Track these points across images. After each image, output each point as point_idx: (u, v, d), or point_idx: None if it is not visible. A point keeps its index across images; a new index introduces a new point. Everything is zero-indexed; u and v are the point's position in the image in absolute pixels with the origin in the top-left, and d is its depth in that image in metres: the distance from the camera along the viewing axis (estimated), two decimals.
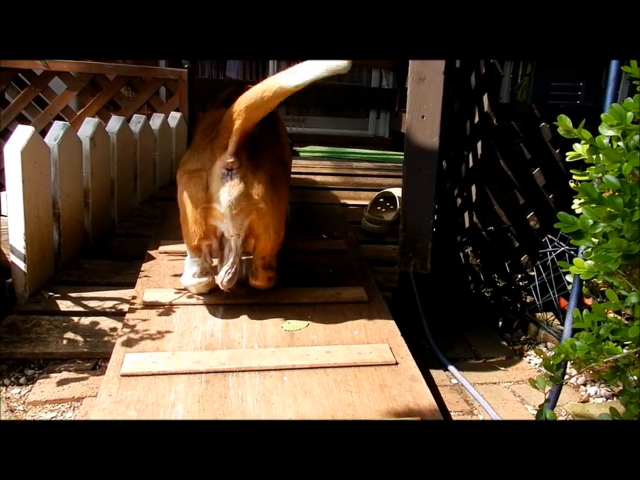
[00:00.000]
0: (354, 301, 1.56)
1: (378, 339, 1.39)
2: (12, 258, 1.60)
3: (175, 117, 2.52)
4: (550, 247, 1.85)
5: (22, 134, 1.53)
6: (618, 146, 0.81)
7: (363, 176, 2.81)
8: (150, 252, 1.80)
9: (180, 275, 1.59)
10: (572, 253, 1.75)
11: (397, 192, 2.40)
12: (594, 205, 0.78)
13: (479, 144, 2.31)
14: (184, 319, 1.42)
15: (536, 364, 1.65)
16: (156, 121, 2.34)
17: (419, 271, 1.74)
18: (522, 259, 2.38)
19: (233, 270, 1.45)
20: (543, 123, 2.26)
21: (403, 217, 1.71)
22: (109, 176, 1.99)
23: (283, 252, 1.61)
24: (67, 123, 1.71)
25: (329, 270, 1.73)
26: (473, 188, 2.38)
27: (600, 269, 0.78)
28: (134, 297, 1.52)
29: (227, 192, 1.40)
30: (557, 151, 2.28)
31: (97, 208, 1.93)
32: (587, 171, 0.89)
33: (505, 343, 1.82)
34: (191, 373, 1.21)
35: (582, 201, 0.80)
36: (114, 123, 2.01)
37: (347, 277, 1.73)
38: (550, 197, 2.33)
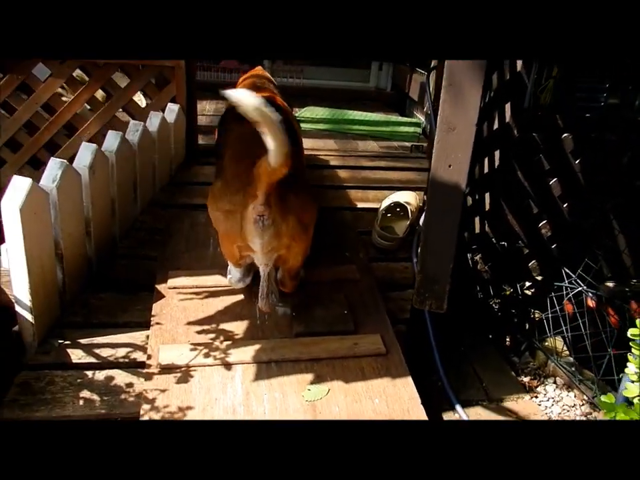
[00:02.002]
0: (372, 354, 1.55)
1: (399, 409, 1.39)
2: (17, 308, 1.54)
3: (172, 110, 2.35)
4: (566, 281, 1.83)
5: (19, 188, 1.41)
6: None
7: (370, 169, 2.69)
8: (158, 287, 1.75)
9: (192, 321, 1.63)
10: (590, 293, 1.73)
11: (407, 198, 2.33)
12: None
13: (497, 152, 2.21)
14: (204, 388, 1.40)
15: (546, 406, 1.69)
16: (154, 120, 2.18)
17: (435, 311, 1.73)
18: (530, 264, 2.36)
19: (266, 297, 1.59)
20: (566, 134, 2.15)
21: (421, 257, 1.66)
22: (109, 197, 1.89)
23: None
24: (65, 161, 1.57)
25: (343, 311, 1.70)
26: (487, 196, 2.30)
27: None
28: (149, 357, 1.49)
29: (260, 236, 1.50)
30: (576, 162, 2.19)
31: (99, 233, 1.84)
32: None
33: (514, 373, 1.85)
34: None
35: None
36: (112, 140, 1.86)
37: (362, 315, 1.70)
38: (564, 205, 2.27)
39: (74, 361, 1.54)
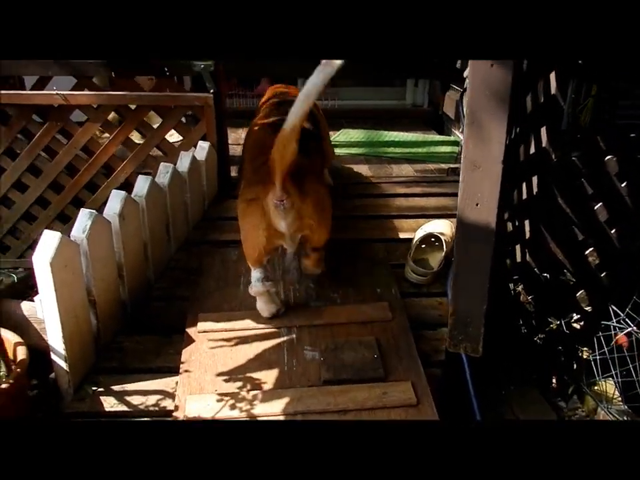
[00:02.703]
0: (402, 405, 1.49)
1: None
2: (53, 357, 1.58)
3: (203, 148, 2.38)
4: (614, 320, 1.71)
5: (49, 242, 1.45)
6: None
7: (404, 196, 2.63)
8: (189, 331, 1.76)
9: (220, 369, 1.63)
10: (619, 327, 1.60)
11: (442, 228, 2.25)
12: None
13: (534, 178, 2.11)
14: None
15: None
16: (184, 160, 2.21)
17: (470, 354, 1.65)
18: (578, 294, 2.23)
19: (292, 276, 1.88)
20: (609, 156, 2.02)
21: (453, 300, 1.59)
22: (141, 240, 1.92)
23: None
24: (94, 211, 1.61)
25: (373, 355, 1.64)
26: (526, 223, 2.20)
27: None
28: (176, 408, 1.49)
29: (283, 218, 1.68)
30: (622, 185, 2.05)
31: (132, 277, 1.87)
32: None
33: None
34: None
35: None
36: (141, 185, 1.90)
37: (394, 360, 1.65)
38: (612, 231, 2.13)
39: (107, 409, 1.56)
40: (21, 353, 1.47)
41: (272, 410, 1.46)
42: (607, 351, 1.68)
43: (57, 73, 2.35)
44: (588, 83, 2.03)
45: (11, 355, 1.49)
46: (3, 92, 2.33)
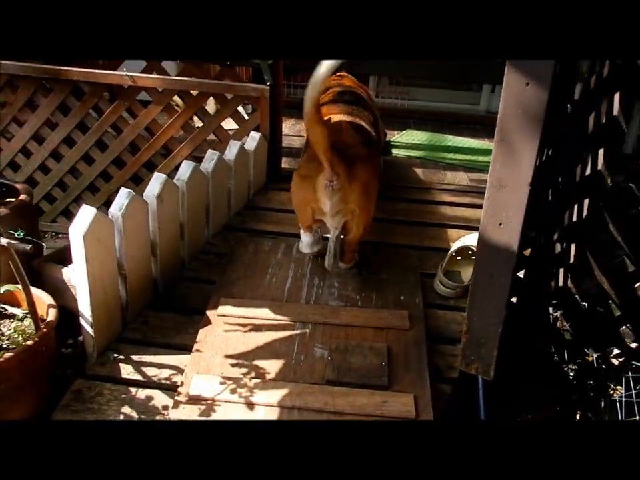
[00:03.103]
0: (399, 417, 1.47)
1: None
2: (81, 321, 1.70)
3: (254, 138, 2.44)
4: None
5: (85, 216, 1.56)
6: None
7: (451, 204, 2.56)
8: (208, 313, 1.83)
9: (230, 353, 1.68)
10: None
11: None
12: None
13: (586, 201, 1.99)
14: None
15: None
16: (232, 149, 2.28)
17: (481, 376, 1.59)
18: (622, 329, 2.08)
19: (333, 258, 1.99)
20: None
21: (468, 318, 1.55)
22: (177, 222, 2.01)
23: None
24: (132, 191, 1.71)
25: (381, 362, 1.63)
26: (573, 247, 2.08)
27: None
28: (182, 384, 1.56)
29: (329, 198, 1.84)
30: None
31: (166, 256, 1.97)
32: None
33: None
34: None
35: None
36: (185, 169, 1.99)
37: (401, 370, 1.63)
38: None
39: (123, 376, 1.67)
40: (52, 314, 1.59)
41: (270, 400, 1.50)
42: (634, 394, 1.56)
43: None
44: None
45: (43, 315, 1.62)
46: (78, 69, 2.51)
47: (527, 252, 2.28)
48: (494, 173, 1.34)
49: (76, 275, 1.63)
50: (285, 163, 2.98)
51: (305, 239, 2.05)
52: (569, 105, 2.35)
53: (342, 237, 2.00)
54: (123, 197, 1.71)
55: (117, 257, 1.74)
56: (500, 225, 1.39)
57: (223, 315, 1.82)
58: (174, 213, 1.97)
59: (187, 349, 1.75)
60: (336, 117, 2.03)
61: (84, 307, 1.65)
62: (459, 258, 2.14)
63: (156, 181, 1.85)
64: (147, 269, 1.90)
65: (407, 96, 4.42)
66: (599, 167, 1.93)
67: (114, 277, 1.73)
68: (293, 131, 3.63)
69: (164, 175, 1.86)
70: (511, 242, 1.40)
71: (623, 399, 1.61)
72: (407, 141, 3.64)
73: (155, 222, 1.87)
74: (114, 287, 1.74)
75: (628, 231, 1.97)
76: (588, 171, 2.02)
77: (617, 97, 1.87)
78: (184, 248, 2.09)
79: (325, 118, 1.98)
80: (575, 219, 2.09)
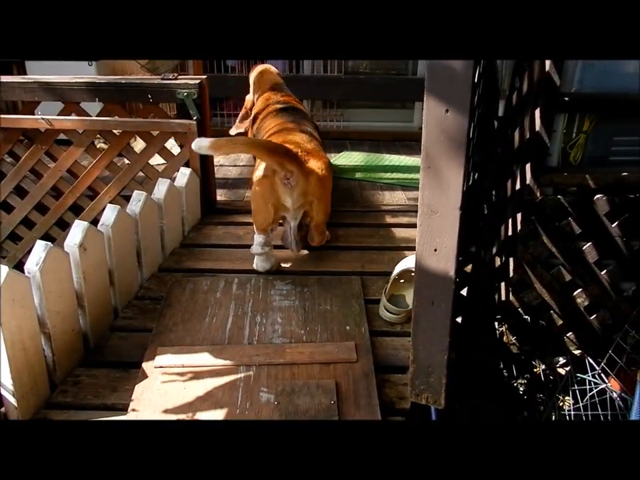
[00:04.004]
0: None
1: None
2: (2, 391, 1.55)
3: (184, 174, 2.36)
4: (589, 373, 1.60)
5: None
6: None
7: (390, 226, 2.56)
8: (144, 366, 1.71)
9: (169, 409, 1.57)
10: (613, 392, 1.49)
11: None
12: None
13: (518, 216, 2.02)
14: None
15: None
16: (161, 187, 2.19)
17: (432, 405, 1.56)
18: (567, 335, 2.11)
19: (295, 243, 2.23)
20: (598, 195, 1.92)
21: (413, 347, 1.52)
22: (105, 270, 1.89)
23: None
24: (49, 244, 1.59)
25: (330, 401, 1.57)
26: (511, 262, 2.11)
27: None
28: None
29: (289, 194, 2.05)
30: (613, 225, 1.95)
31: (94, 307, 1.84)
32: None
33: None
34: None
35: None
36: (109, 214, 1.88)
37: (351, 408, 1.56)
38: (603, 272, 2.02)
39: None
40: None
41: None
42: (581, 407, 1.57)
43: (44, 98, 2.36)
44: (580, 119, 1.93)
45: None
46: None
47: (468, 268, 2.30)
48: (424, 199, 1.32)
49: None
50: (222, 195, 2.90)
51: (258, 239, 2.18)
52: (495, 122, 2.41)
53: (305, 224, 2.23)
54: (39, 250, 1.58)
55: (38, 314, 1.60)
56: (435, 250, 1.37)
57: (161, 366, 1.71)
58: (100, 261, 1.85)
59: (123, 408, 1.61)
60: (282, 125, 2.32)
61: (3, 375, 1.51)
62: (402, 281, 2.12)
63: (77, 230, 1.73)
64: (74, 323, 1.76)
65: (342, 117, 4.45)
66: (528, 181, 1.98)
67: (36, 337, 1.59)
68: (228, 161, 3.56)
69: (85, 223, 1.75)
70: (448, 267, 1.38)
71: (572, 412, 1.61)
72: (344, 162, 3.64)
73: (79, 272, 1.74)
74: (36, 348, 1.60)
75: (560, 241, 2.02)
76: (518, 186, 2.06)
77: (537, 112, 1.93)
78: (115, 295, 1.97)
79: (278, 123, 2.32)
80: (510, 232, 2.13)
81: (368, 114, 4.53)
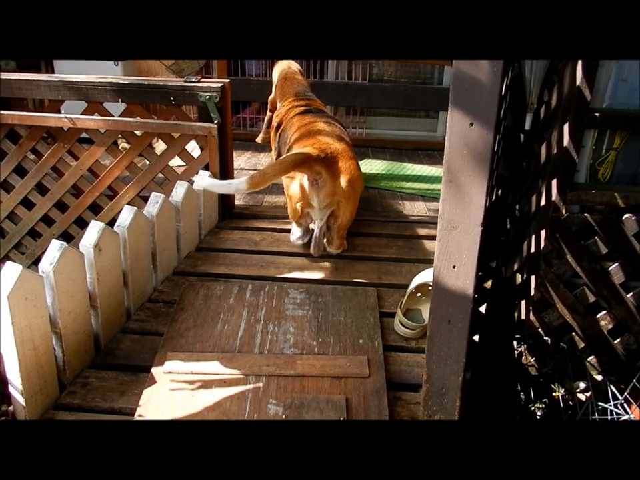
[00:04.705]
0: None
1: None
2: (10, 389, 1.55)
3: (203, 177, 2.35)
4: (612, 402, 1.53)
5: (9, 275, 1.42)
6: None
7: (409, 237, 2.51)
8: (154, 371, 1.69)
9: (176, 417, 1.55)
10: (616, 412, 1.42)
11: None
12: None
13: (543, 233, 1.96)
14: None
15: None
16: (179, 190, 2.18)
17: None
18: (589, 359, 2.03)
19: (317, 245, 2.26)
20: (627, 215, 1.85)
21: (427, 366, 1.46)
22: (119, 271, 1.88)
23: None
24: (64, 243, 1.58)
25: (339, 418, 1.53)
26: (532, 280, 2.04)
27: None
28: None
29: (316, 194, 2.11)
30: None
31: (107, 308, 1.83)
32: None
33: None
34: None
35: None
36: (125, 215, 1.87)
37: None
38: (629, 295, 1.94)
39: None
40: None
41: None
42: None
43: (68, 97, 2.38)
44: (610, 135, 1.87)
45: None
46: (15, 113, 2.38)
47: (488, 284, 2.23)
48: (444, 214, 1.27)
49: (2, 337, 1.48)
50: (240, 200, 2.89)
51: (296, 231, 2.32)
52: (521, 135, 2.35)
53: (329, 225, 2.27)
54: (54, 250, 1.58)
55: (50, 314, 1.60)
56: (454, 267, 1.33)
57: (170, 372, 1.68)
58: (114, 262, 1.84)
59: (131, 413, 1.60)
60: (309, 124, 2.35)
61: (12, 373, 1.50)
62: (418, 295, 2.07)
63: (92, 230, 1.73)
64: (86, 324, 1.76)
65: (365, 125, 4.42)
66: (554, 197, 1.91)
67: (47, 336, 1.59)
68: (248, 164, 3.56)
69: (101, 223, 1.74)
70: (466, 285, 1.33)
71: None
72: (365, 170, 3.60)
73: (93, 273, 1.73)
74: (47, 347, 1.59)
75: (585, 260, 1.95)
76: (543, 202, 2.00)
77: (566, 127, 1.87)
78: (129, 297, 1.96)
79: (305, 123, 2.35)
80: (533, 249, 2.06)
81: (391, 122, 4.49)
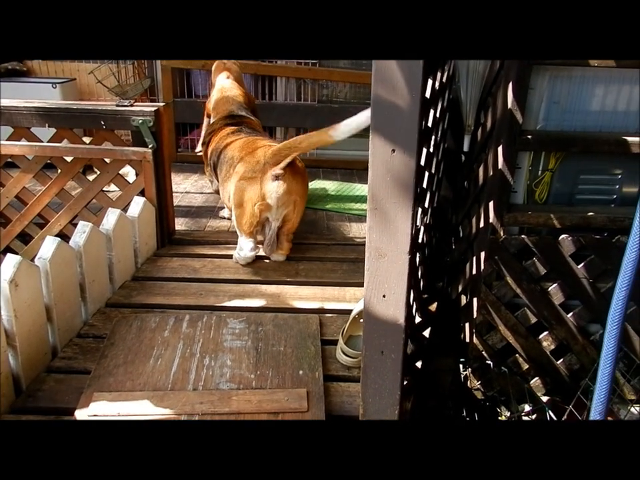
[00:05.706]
0: None
1: None
2: None
3: (138, 203, 2.25)
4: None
5: None
6: None
7: (354, 261, 2.47)
8: (77, 414, 1.58)
9: None
10: None
11: None
12: None
13: (482, 254, 1.95)
14: None
15: None
16: (110, 217, 2.08)
17: None
18: (532, 382, 2.02)
19: (272, 243, 2.35)
20: (564, 235, 1.86)
21: (363, 399, 1.41)
22: (41, 306, 1.76)
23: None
24: None
25: None
26: (475, 302, 2.03)
27: None
28: None
29: (276, 190, 2.19)
30: (579, 266, 1.88)
31: (27, 347, 1.71)
32: None
33: None
34: None
35: None
36: (47, 246, 1.76)
37: None
38: (569, 315, 1.95)
39: None
40: None
41: None
42: None
43: None
44: (545, 156, 1.88)
45: None
46: None
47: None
48: (371, 242, 1.23)
49: None
50: (182, 225, 2.80)
51: (247, 244, 2.31)
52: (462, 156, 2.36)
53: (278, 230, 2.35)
54: None
55: None
56: (384, 296, 1.28)
57: (95, 415, 1.57)
58: (35, 297, 1.72)
59: None
60: (247, 140, 2.44)
61: None
62: (361, 320, 2.02)
63: (8, 264, 1.61)
64: (2, 365, 1.63)
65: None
66: (491, 219, 1.91)
67: None
68: (194, 187, 3.47)
69: (17, 257, 1.62)
70: (397, 315, 1.29)
71: None
72: (314, 192, 3.57)
73: (9, 310, 1.61)
74: None
75: (525, 282, 1.95)
76: (482, 224, 2.00)
77: (500, 149, 1.88)
78: (54, 333, 1.83)
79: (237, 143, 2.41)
80: (474, 272, 2.05)
81: (342, 142, 4.45)
